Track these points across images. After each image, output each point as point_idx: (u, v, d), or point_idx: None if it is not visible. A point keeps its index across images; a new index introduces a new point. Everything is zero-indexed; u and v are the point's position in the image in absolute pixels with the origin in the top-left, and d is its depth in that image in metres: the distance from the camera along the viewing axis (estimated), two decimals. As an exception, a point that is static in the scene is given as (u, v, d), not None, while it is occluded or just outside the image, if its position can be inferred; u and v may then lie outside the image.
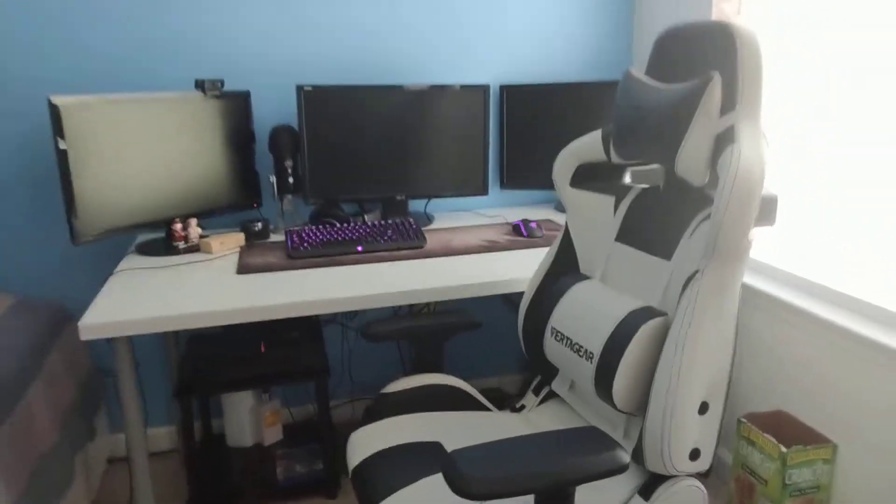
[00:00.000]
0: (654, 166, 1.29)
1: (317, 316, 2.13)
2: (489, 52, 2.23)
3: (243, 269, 1.65)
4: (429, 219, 2.15)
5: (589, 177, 1.42)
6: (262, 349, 1.90)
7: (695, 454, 1.09)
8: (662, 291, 1.18)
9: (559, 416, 1.42)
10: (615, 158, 1.32)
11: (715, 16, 1.95)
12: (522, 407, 1.51)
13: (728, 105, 1.08)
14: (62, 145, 1.57)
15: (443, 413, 1.42)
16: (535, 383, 1.53)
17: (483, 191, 2.16)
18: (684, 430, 1.06)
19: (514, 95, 2.19)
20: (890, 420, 1.44)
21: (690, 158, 1.10)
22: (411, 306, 2.25)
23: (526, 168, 2.24)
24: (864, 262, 1.59)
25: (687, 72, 1.18)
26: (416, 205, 2.26)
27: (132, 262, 1.73)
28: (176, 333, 2.07)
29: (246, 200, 2.03)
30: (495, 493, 0.87)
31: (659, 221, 1.25)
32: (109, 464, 2.15)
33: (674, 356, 1.05)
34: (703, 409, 1.08)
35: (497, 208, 2.35)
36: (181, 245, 1.82)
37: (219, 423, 2.22)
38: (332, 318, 2.27)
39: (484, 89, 2.07)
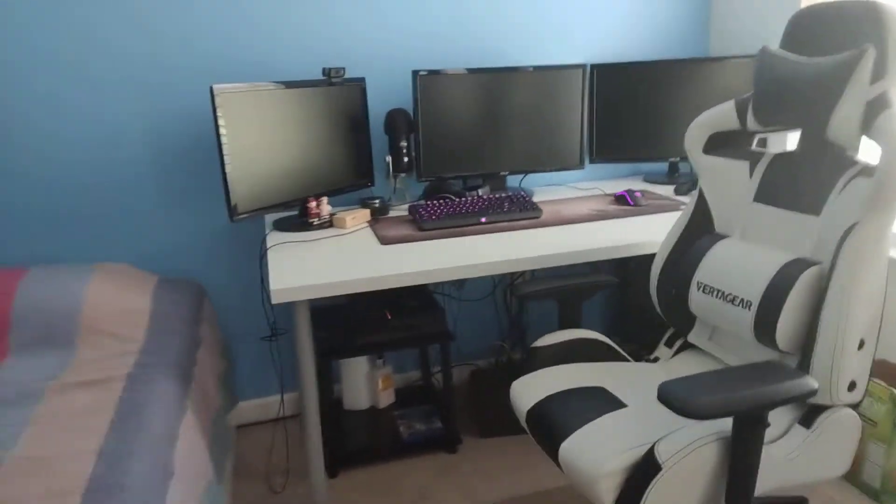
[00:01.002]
0: (795, 132, 1.41)
1: (429, 286, 2.27)
2: (580, 34, 2.35)
3: (385, 240, 1.79)
4: (530, 192, 2.28)
5: (723, 143, 1.54)
6: (388, 317, 2.04)
7: (852, 386, 1.23)
8: (813, 244, 1.31)
9: (697, 363, 1.56)
10: (752, 126, 1.44)
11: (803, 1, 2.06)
12: (657, 359, 1.65)
13: (879, 74, 1.20)
14: (222, 129, 1.71)
15: (592, 363, 1.57)
16: (667, 336, 1.66)
17: (580, 164, 2.29)
18: (846, 364, 1.20)
19: (602, 74, 2.30)
20: None
21: (843, 123, 1.23)
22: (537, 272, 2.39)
23: (613, 142, 2.36)
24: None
25: (833, 46, 1.30)
26: (511, 181, 2.39)
27: (277, 237, 1.87)
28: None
29: (362, 179, 2.16)
30: (710, 414, 1.02)
31: (801, 181, 1.37)
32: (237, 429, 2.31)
33: (841, 299, 1.18)
34: (861, 345, 1.21)
35: (588, 181, 2.48)
36: (315, 221, 1.96)
37: (334, 388, 2.37)
38: (439, 289, 2.40)
39: (583, 68, 2.20)
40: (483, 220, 1.91)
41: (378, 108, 2.22)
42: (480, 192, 2.20)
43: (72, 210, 2.00)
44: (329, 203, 2.03)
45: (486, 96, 2.15)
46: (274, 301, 1.46)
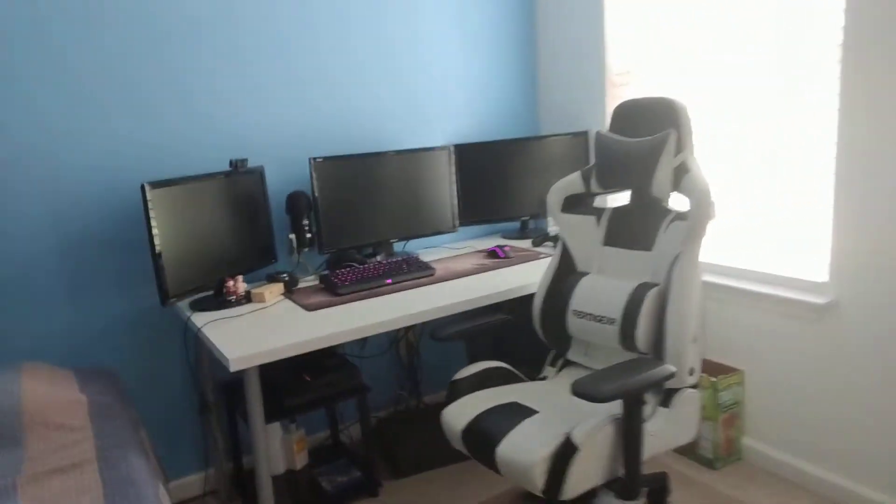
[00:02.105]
0: (626, 191, 1.92)
1: (335, 348, 2.50)
2: (442, 119, 2.81)
3: (310, 307, 2.02)
4: (416, 255, 2.63)
5: (575, 204, 2.03)
6: (307, 379, 2.24)
7: (692, 371, 1.71)
8: (651, 271, 1.81)
9: (577, 376, 1.98)
10: (595, 189, 1.94)
11: (608, 89, 2.70)
12: (545, 377, 2.05)
13: (679, 148, 1.75)
14: (153, 222, 1.86)
15: (501, 387, 1.92)
16: (550, 357, 2.08)
17: (453, 228, 2.70)
18: (687, 354, 1.67)
19: (462, 152, 2.76)
20: (774, 349, 2.19)
21: (660, 183, 1.75)
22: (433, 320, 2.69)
23: (475, 207, 2.81)
24: (741, 244, 2.36)
25: (646, 129, 1.83)
26: (396, 246, 2.73)
27: (203, 317, 2.01)
28: (204, 383, 2.32)
29: (266, 257, 2.36)
30: (611, 397, 1.41)
31: (635, 227, 1.88)
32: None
33: (677, 307, 1.66)
34: (695, 339, 1.70)
35: (458, 242, 2.89)
36: (233, 299, 2.13)
37: (246, 459, 2.47)
38: (343, 350, 2.63)
39: (448, 149, 2.63)
40: (389, 281, 2.22)
41: (277, 190, 2.46)
42: (378, 258, 2.50)
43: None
44: (243, 281, 2.21)
45: (373, 175, 2.49)
46: (233, 369, 1.64)
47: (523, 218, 2.89)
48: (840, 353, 2.01)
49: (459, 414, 1.77)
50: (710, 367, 2.37)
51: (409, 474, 2.44)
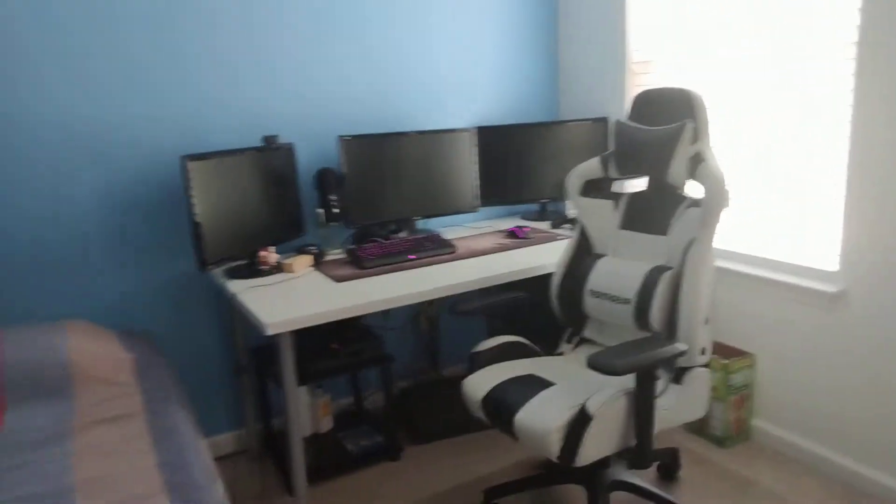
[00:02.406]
0: (644, 177, 1.99)
1: (359, 319, 2.61)
2: (466, 103, 2.88)
3: (338, 279, 2.13)
4: (438, 233, 2.72)
5: (594, 188, 2.10)
6: (335, 347, 2.35)
7: (703, 351, 1.79)
8: (666, 255, 1.88)
9: (593, 352, 2.07)
10: (613, 174, 2.01)
11: (628, 77, 2.75)
12: (562, 353, 2.14)
13: (695, 138, 1.81)
14: (193, 193, 1.97)
15: (519, 360, 2.02)
16: (567, 335, 2.17)
17: (475, 208, 2.78)
18: (699, 335, 1.75)
19: (485, 134, 2.83)
20: (784, 335, 2.26)
21: (676, 171, 1.82)
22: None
23: (497, 189, 2.89)
24: (758, 232, 2.42)
25: (663, 117, 1.90)
26: (418, 223, 2.82)
27: (237, 284, 2.12)
28: (237, 347, 2.44)
29: (295, 230, 2.47)
30: (625, 370, 1.51)
31: (652, 212, 1.95)
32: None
33: (690, 290, 1.74)
34: (706, 321, 1.78)
35: (479, 221, 2.98)
36: (266, 268, 2.24)
37: (276, 422, 2.60)
38: (367, 321, 2.74)
39: (472, 131, 2.71)
40: (412, 256, 2.32)
41: (306, 165, 2.56)
42: (402, 234, 2.60)
43: (19, 265, 2.10)
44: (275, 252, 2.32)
45: (399, 154, 2.58)
46: (269, 332, 1.75)
47: (543, 200, 2.96)
48: (849, 341, 2.08)
49: (480, 384, 1.87)
50: (723, 350, 2.45)
51: (429, 441, 2.56)
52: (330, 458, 2.40)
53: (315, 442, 2.52)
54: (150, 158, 2.26)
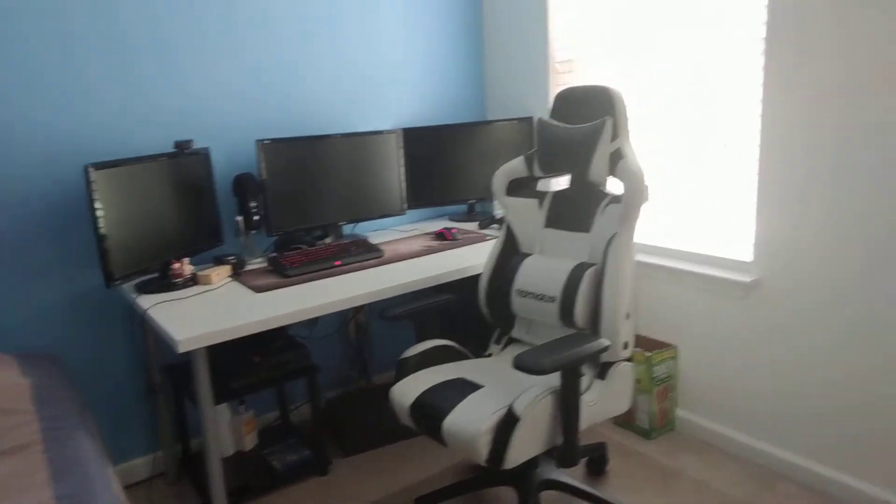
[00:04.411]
0: (566, 175, 2.00)
1: (284, 329, 2.51)
2: (393, 102, 2.83)
3: (258, 289, 2.04)
4: (365, 237, 2.66)
5: (518, 187, 2.10)
6: (256, 359, 2.25)
7: (626, 345, 1.81)
8: (589, 252, 1.90)
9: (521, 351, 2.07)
10: (537, 173, 2.01)
11: (552, 76, 2.78)
12: (490, 354, 2.12)
13: (615, 135, 1.83)
14: (97, 204, 1.84)
15: (448, 364, 1.99)
16: (495, 336, 2.15)
17: (402, 211, 2.74)
18: (621, 330, 1.77)
19: (411, 136, 2.80)
20: (704, 325, 2.33)
21: (598, 169, 1.83)
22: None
23: (424, 191, 2.86)
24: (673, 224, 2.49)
25: (584, 115, 1.91)
26: (345, 228, 2.76)
27: (148, 299, 2.00)
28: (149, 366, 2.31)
29: (213, 239, 2.36)
30: (551, 369, 1.50)
31: (575, 210, 1.97)
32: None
33: (612, 286, 1.76)
34: (627, 316, 1.80)
35: (407, 224, 2.93)
36: (180, 281, 2.12)
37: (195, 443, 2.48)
38: (292, 331, 2.65)
39: (398, 133, 2.67)
40: (337, 262, 2.25)
41: (225, 171, 2.45)
42: (327, 240, 2.53)
43: None
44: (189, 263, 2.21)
45: (322, 157, 2.50)
46: (180, 350, 1.65)
47: (471, 201, 2.95)
48: (764, 328, 2.15)
49: (407, 390, 1.83)
50: (646, 343, 2.50)
51: (358, 452, 2.49)
52: (254, 477, 2.30)
53: (239, 460, 2.41)
54: (51, 167, 2.10)
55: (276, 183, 2.42)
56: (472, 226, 2.83)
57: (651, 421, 2.42)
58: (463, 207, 3.12)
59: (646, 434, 2.44)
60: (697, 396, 2.41)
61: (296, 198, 2.47)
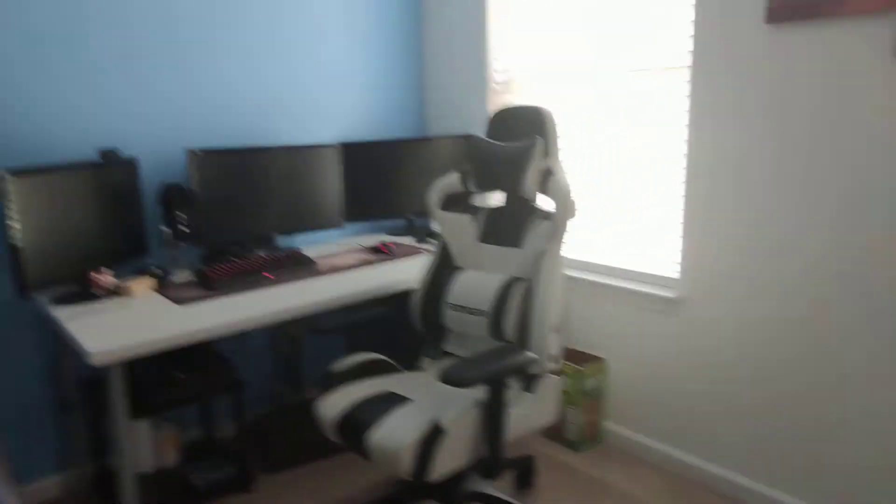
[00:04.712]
0: (500, 192, 2.03)
1: (211, 344, 2.44)
2: (332, 116, 2.82)
3: (181, 301, 1.98)
4: (299, 250, 2.62)
5: (453, 203, 2.12)
6: (180, 376, 2.18)
7: (553, 359, 1.84)
8: (520, 267, 1.93)
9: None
10: (472, 188, 2.04)
11: (490, 95, 2.83)
12: (423, 368, 2.12)
13: (545, 153, 1.88)
14: (13, 213, 1.75)
15: (379, 377, 1.97)
16: (429, 349, 2.15)
17: (340, 224, 2.72)
18: (549, 343, 1.80)
19: (350, 150, 2.79)
20: (632, 340, 2.39)
21: (529, 186, 1.87)
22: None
23: (362, 205, 2.85)
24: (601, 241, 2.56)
25: (517, 133, 1.95)
26: (281, 240, 2.71)
27: (64, 311, 1.91)
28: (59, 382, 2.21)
29: (138, 250, 2.28)
30: (475, 381, 1.51)
31: (507, 226, 2.00)
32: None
33: (541, 301, 1.78)
34: (556, 330, 1.83)
35: (344, 238, 2.91)
36: (100, 293, 2.04)
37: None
38: (220, 347, 2.58)
39: (335, 147, 2.65)
40: (268, 275, 2.21)
41: (154, 180, 2.37)
42: (259, 252, 2.48)
43: None
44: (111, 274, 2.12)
45: (256, 169, 2.47)
46: (95, 363, 1.58)
47: (409, 216, 2.95)
48: (688, 343, 2.23)
49: (335, 404, 1.81)
50: (576, 357, 2.55)
51: (283, 468, 2.43)
52: (173, 495, 2.22)
53: (158, 478, 2.32)
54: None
55: (206, 193, 2.36)
56: (409, 240, 2.83)
57: (580, 433, 2.46)
58: (402, 222, 3.12)
59: (574, 446, 2.48)
60: (625, 409, 2.47)
61: (227, 209, 2.42)
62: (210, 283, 2.10)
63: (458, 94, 2.98)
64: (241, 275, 2.17)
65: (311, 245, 2.77)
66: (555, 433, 2.55)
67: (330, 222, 2.70)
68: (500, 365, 1.57)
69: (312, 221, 2.65)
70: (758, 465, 2.10)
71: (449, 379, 1.49)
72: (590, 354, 2.54)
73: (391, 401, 1.79)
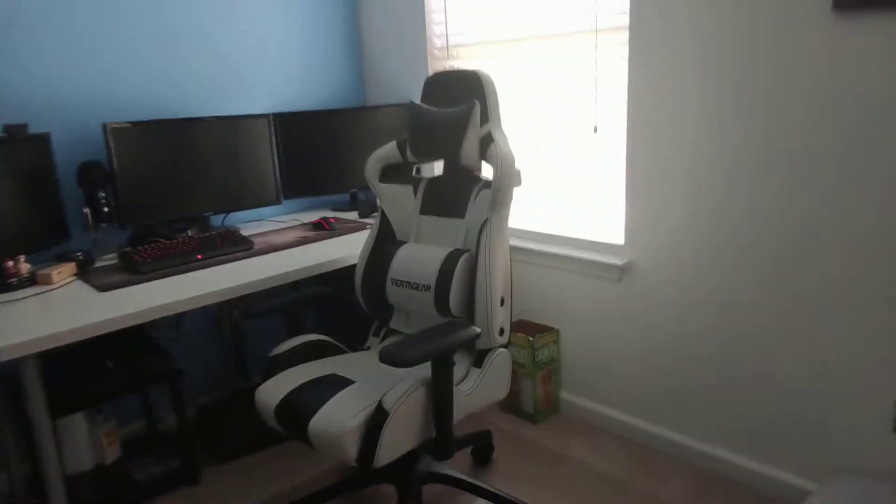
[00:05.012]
0: (439, 160, 1.94)
1: (148, 333, 2.31)
2: (262, 85, 2.66)
3: (103, 288, 1.84)
4: (236, 229, 2.49)
5: (393, 173, 2.02)
6: (109, 366, 2.05)
7: (501, 332, 1.77)
8: (463, 238, 1.85)
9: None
10: (411, 158, 1.94)
11: (431, 61, 2.71)
12: (369, 347, 2.04)
13: (484, 119, 1.79)
14: None
15: (321, 360, 1.88)
16: (374, 328, 2.07)
17: (277, 201, 2.59)
18: (496, 316, 1.73)
19: (284, 121, 2.65)
20: (583, 308, 2.35)
21: (469, 153, 1.78)
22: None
23: (302, 180, 2.72)
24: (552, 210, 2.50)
25: (455, 100, 1.85)
26: (215, 220, 2.57)
27: (-28, 303, 1.76)
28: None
29: (57, 234, 2.12)
30: (417, 360, 1.43)
31: (449, 196, 1.91)
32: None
33: (485, 271, 1.71)
34: (502, 302, 1.76)
35: (284, 215, 2.78)
36: (14, 281, 1.89)
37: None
38: (157, 334, 2.44)
39: (268, 118, 2.51)
40: (199, 256, 2.08)
41: (69, 160, 2.20)
42: (189, 232, 2.34)
43: None
44: (27, 261, 1.97)
45: (183, 144, 2.31)
46: (5, 358, 1.44)
47: (353, 190, 2.84)
48: (637, 309, 2.20)
49: (274, 390, 1.71)
50: (528, 328, 2.49)
51: (233, 458, 2.34)
52: (115, 492, 2.10)
53: (98, 475, 2.19)
54: None
55: (129, 171, 2.20)
56: (353, 215, 2.72)
57: (536, 405, 2.42)
58: (346, 197, 3.01)
59: (531, 418, 2.45)
60: (580, 379, 2.44)
61: (154, 187, 2.27)
62: (135, 267, 1.97)
63: (398, 61, 2.85)
64: (170, 257, 2.03)
65: (250, 224, 2.64)
66: (511, 406, 2.51)
67: (267, 199, 2.56)
68: (443, 341, 1.50)
69: (249, 199, 2.52)
70: (707, 428, 2.09)
71: (387, 359, 1.41)
72: (543, 325, 2.49)
73: (333, 383, 1.70)
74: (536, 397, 2.42)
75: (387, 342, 2.02)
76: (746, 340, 1.95)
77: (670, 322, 2.12)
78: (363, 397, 1.59)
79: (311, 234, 2.39)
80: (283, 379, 1.75)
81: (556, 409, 2.51)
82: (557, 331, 2.46)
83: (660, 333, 2.16)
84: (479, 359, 1.78)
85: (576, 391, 2.46)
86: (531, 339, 2.37)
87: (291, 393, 1.67)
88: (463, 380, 1.74)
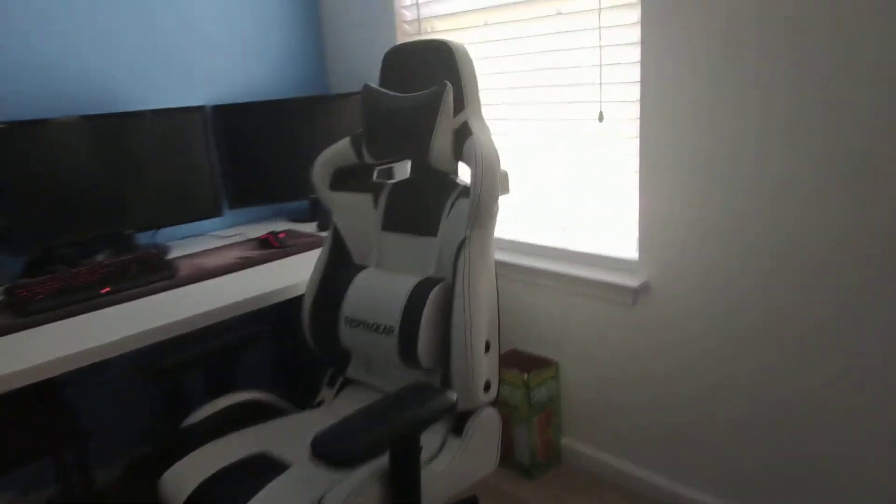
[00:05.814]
0: (405, 162, 1.51)
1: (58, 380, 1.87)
2: (200, 74, 2.21)
3: (-35, 339, 1.40)
4: (165, 249, 2.05)
5: (346, 179, 1.58)
6: (-7, 431, 1.61)
7: (487, 386, 1.34)
8: (435, 262, 1.42)
9: (359, 398, 1.56)
10: (368, 159, 1.50)
11: (400, 38, 2.27)
12: (321, 402, 1.60)
13: (459, 106, 1.35)
14: None
15: (252, 428, 1.44)
16: (328, 376, 1.63)
17: (217, 212, 2.14)
18: (478, 367, 1.30)
19: (225, 115, 2.20)
20: (588, 336, 1.92)
21: (439, 151, 1.35)
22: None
23: (250, 185, 2.28)
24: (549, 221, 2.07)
25: (420, 82, 1.42)
26: (143, 237, 2.13)
27: None
28: None
29: (-74, 264, 1.68)
30: (365, 458, 1.00)
31: (417, 207, 1.48)
32: None
33: (463, 308, 1.28)
34: (487, 347, 1.33)
35: (231, 228, 2.34)
36: None
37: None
38: (72, 381, 2.00)
39: (199, 110, 2.06)
40: (106, 290, 1.64)
41: (-62, 171, 1.75)
42: (99, 257, 1.89)
43: None
44: None
45: (101, 146, 1.87)
46: None
47: (313, 196, 2.40)
48: (655, 341, 1.77)
49: (184, 478, 1.27)
50: (522, 361, 2.07)
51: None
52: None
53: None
54: None
55: (25, 183, 1.76)
56: (311, 227, 2.28)
57: (532, 456, 2.00)
58: (305, 204, 2.56)
59: (527, 472, 2.02)
60: (585, 422, 2.02)
61: (60, 201, 1.82)
62: (23, 307, 1.52)
63: (362, 40, 2.40)
64: (64, 293, 1.59)
65: (186, 241, 2.19)
66: (504, 458, 2.08)
67: (204, 211, 2.12)
68: (403, 422, 1.06)
69: (181, 212, 2.07)
70: (745, 489, 1.67)
71: (322, 456, 0.98)
72: (539, 357, 2.07)
73: (263, 468, 1.27)
74: (533, 446, 1.99)
75: (345, 395, 1.59)
76: (810, 388, 1.53)
77: (698, 357, 1.70)
78: (298, 495, 1.16)
79: (253, 253, 1.95)
80: (197, 459, 1.32)
81: (557, 459, 2.08)
82: (557, 364, 2.03)
83: (685, 371, 1.73)
84: (458, 424, 1.35)
85: (580, 437, 2.04)
86: (526, 376, 1.94)
87: (204, 485, 1.24)
88: (437, 455, 1.31)
